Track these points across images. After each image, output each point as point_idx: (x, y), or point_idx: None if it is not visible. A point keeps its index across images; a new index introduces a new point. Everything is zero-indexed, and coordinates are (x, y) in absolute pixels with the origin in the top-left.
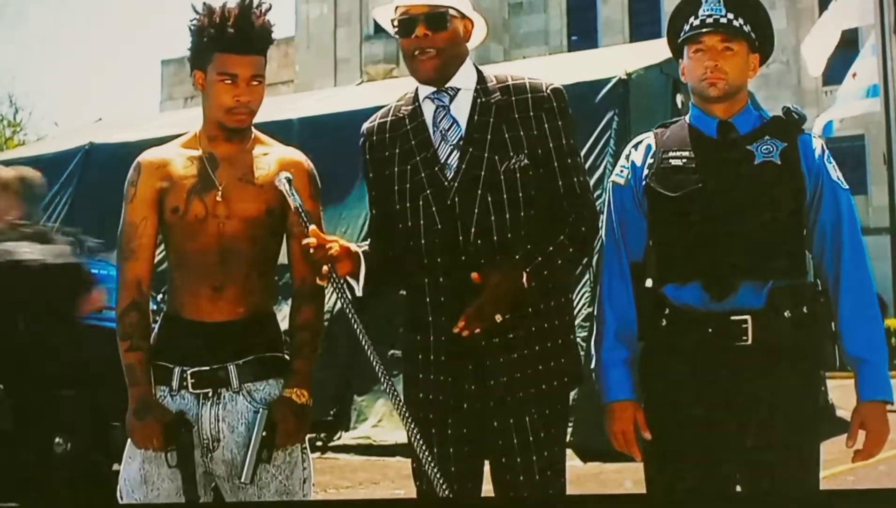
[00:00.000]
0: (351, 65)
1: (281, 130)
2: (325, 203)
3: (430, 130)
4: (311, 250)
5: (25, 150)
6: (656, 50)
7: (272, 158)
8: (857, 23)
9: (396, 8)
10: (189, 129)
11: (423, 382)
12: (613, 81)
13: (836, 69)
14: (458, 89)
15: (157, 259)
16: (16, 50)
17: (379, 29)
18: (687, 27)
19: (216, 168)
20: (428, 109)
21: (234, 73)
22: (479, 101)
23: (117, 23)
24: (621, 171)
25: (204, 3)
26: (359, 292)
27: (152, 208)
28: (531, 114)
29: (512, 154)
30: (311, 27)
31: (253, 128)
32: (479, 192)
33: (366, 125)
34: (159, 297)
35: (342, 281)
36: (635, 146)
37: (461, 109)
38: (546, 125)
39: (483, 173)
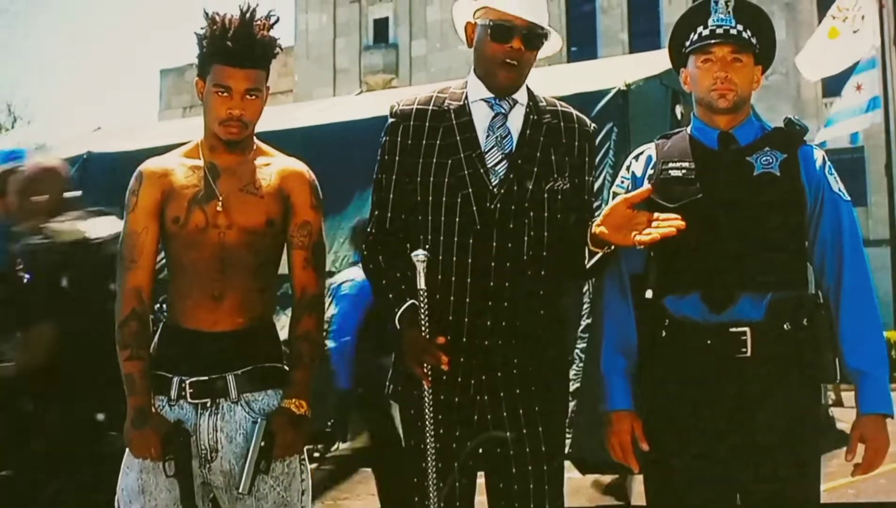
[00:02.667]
0: (350, 75)
1: (280, 140)
2: (324, 213)
3: (481, 133)
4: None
5: None
6: (656, 61)
7: (273, 169)
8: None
9: (493, 9)
10: (187, 138)
11: (441, 388)
12: (612, 91)
13: (837, 80)
14: (516, 101)
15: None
16: (15, 59)
17: (378, 39)
18: (694, 36)
19: (217, 178)
20: (479, 111)
21: (228, 85)
22: (531, 117)
23: (117, 33)
24: (622, 181)
25: (206, 12)
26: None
27: (153, 217)
28: (576, 144)
29: (556, 176)
30: (311, 37)
31: (255, 138)
32: (526, 205)
33: (400, 107)
34: (155, 306)
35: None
36: (636, 157)
37: (514, 120)
38: (587, 158)
39: (531, 188)
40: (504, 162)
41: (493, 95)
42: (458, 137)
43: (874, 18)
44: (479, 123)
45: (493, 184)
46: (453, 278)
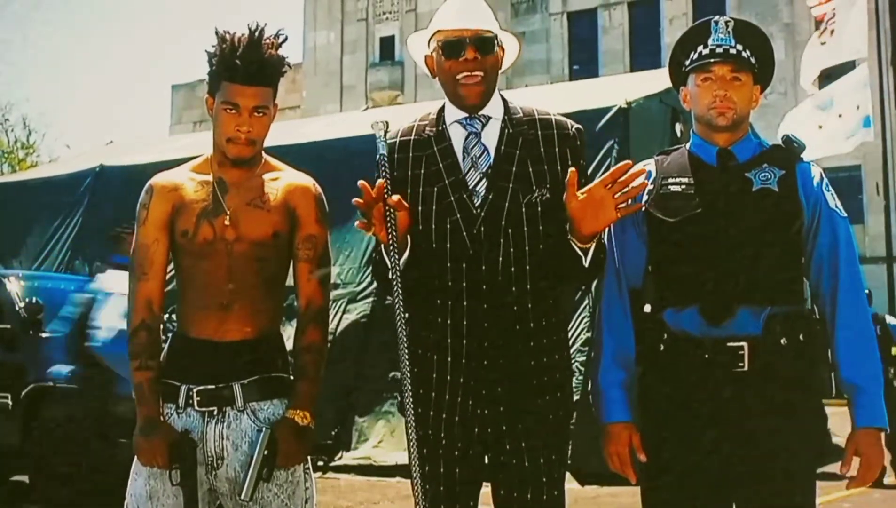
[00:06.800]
0: (357, 91)
1: (288, 154)
2: (330, 227)
3: (459, 155)
4: (389, 208)
5: (38, 171)
6: (656, 80)
7: (280, 184)
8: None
9: (441, 31)
10: (197, 152)
11: (436, 405)
12: (614, 109)
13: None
14: (489, 118)
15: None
16: (30, 74)
17: (384, 56)
18: (694, 55)
19: (225, 193)
20: (456, 133)
21: (236, 103)
22: (506, 131)
23: (129, 48)
24: None
25: (217, 31)
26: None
27: (163, 230)
28: (556, 150)
29: (535, 188)
30: (318, 54)
31: (263, 153)
32: (503, 223)
33: (385, 143)
34: (164, 317)
35: (394, 242)
36: None
37: (490, 137)
38: (570, 162)
39: (507, 205)
40: (483, 181)
41: (465, 116)
42: (440, 164)
43: (846, 35)
44: (458, 146)
45: (476, 206)
46: (449, 303)
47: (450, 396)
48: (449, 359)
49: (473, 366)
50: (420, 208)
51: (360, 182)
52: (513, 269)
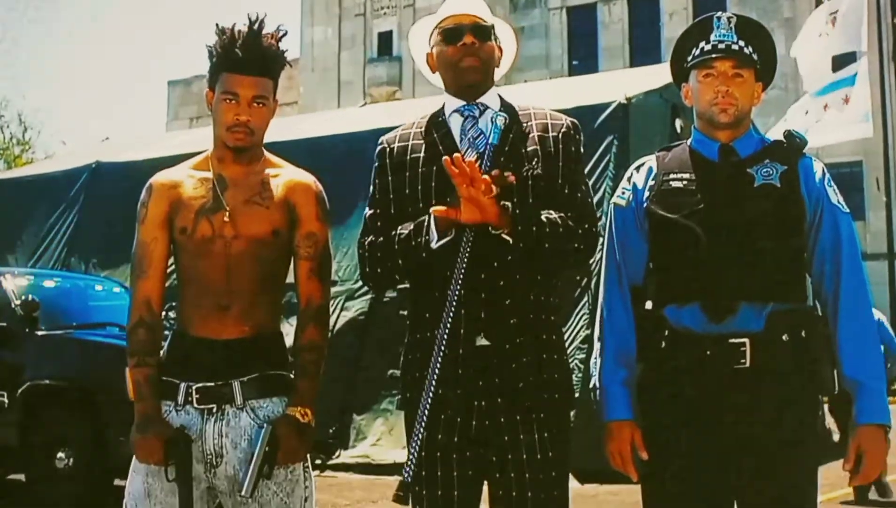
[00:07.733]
0: (354, 87)
1: (285, 151)
2: (329, 224)
3: (458, 139)
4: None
5: (34, 168)
6: (656, 75)
7: (280, 180)
8: (850, 48)
9: (440, 23)
10: (193, 149)
11: (434, 397)
12: (613, 105)
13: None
14: (486, 106)
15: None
16: (26, 70)
17: (382, 52)
18: (697, 51)
19: (225, 190)
20: (455, 122)
21: (236, 92)
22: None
23: (126, 45)
24: (623, 192)
25: (218, 25)
26: (435, 244)
27: (163, 228)
28: (549, 135)
29: (526, 165)
30: (316, 50)
31: (264, 150)
32: (500, 200)
33: (386, 137)
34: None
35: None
36: (637, 168)
37: (487, 123)
38: (561, 146)
39: (503, 182)
40: (477, 162)
41: (464, 104)
42: (440, 147)
43: (847, 29)
44: (456, 131)
45: None
46: (449, 275)
47: (445, 391)
48: (446, 344)
49: (472, 348)
50: (420, 188)
51: (455, 156)
52: (503, 247)
